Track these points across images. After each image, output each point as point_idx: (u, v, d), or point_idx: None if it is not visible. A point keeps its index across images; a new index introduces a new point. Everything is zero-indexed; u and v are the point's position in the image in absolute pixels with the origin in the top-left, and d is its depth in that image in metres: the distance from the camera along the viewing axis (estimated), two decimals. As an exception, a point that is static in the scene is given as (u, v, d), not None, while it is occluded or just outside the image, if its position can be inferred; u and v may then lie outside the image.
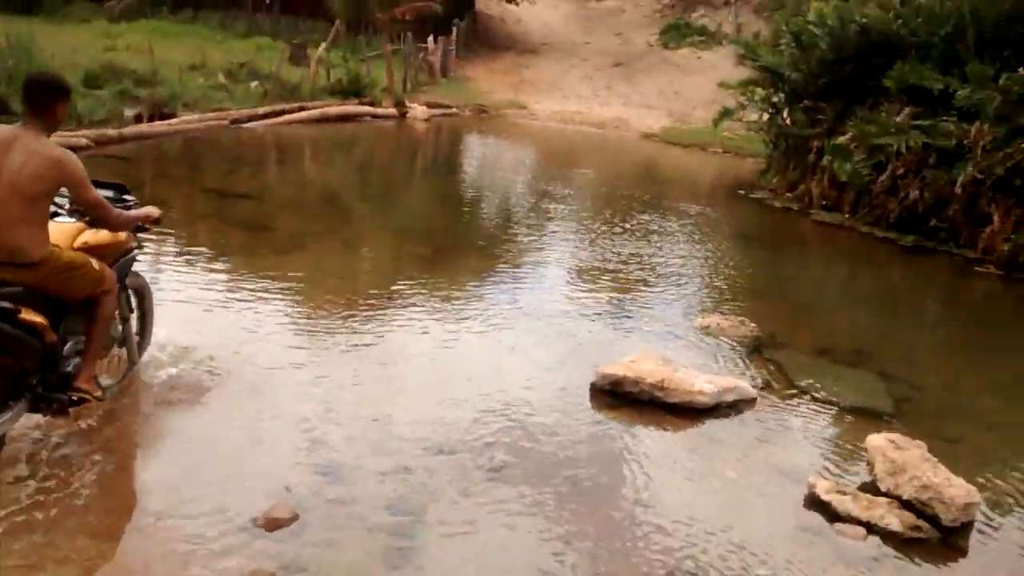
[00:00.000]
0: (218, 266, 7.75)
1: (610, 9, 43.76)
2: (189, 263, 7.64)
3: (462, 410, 5.15)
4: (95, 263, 4.06)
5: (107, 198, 4.12)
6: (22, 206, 3.65)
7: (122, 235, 4.44)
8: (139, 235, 4.83)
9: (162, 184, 11.47)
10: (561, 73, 33.27)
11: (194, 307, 6.40)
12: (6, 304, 3.55)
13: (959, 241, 11.62)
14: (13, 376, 3.77)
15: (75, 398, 4.00)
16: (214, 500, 3.95)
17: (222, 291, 6.91)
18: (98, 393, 4.18)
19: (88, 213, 4.10)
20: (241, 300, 6.68)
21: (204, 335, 5.75)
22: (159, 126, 14.91)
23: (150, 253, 7.35)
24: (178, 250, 7.92)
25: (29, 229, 3.70)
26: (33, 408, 3.95)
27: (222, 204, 10.31)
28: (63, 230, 4.05)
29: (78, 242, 4.08)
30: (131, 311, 4.84)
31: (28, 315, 3.66)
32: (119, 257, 4.46)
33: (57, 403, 3.97)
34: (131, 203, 4.49)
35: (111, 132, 13.44)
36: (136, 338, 4.92)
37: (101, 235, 4.23)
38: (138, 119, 15.14)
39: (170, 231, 8.27)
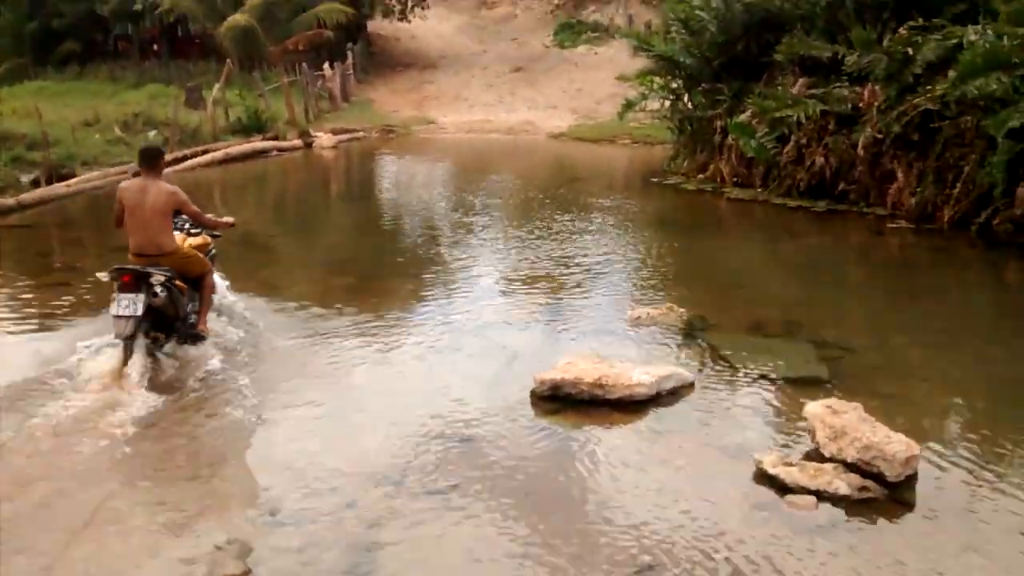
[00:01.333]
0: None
1: (502, 16, 43.97)
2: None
3: (404, 437, 5.07)
4: (199, 254, 6.58)
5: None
6: (160, 221, 6.12)
7: (208, 239, 6.98)
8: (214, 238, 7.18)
9: (70, 248, 11.13)
10: (463, 84, 33.32)
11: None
12: (169, 272, 6.03)
13: (869, 200, 11.96)
14: (170, 321, 6.20)
15: (199, 335, 6.36)
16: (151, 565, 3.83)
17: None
18: (210, 334, 6.52)
19: (190, 218, 6.51)
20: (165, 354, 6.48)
21: (135, 393, 5.58)
22: (59, 188, 14.47)
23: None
24: (93, 314, 7.65)
25: (164, 233, 6.18)
26: (179, 340, 6.31)
27: (134, 260, 10.03)
28: (178, 238, 6.47)
29: (186, 245, 6.54)
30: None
31: (178, 282, 6.18)
32: (207, 252, 6.90)
33: (192, 337, 6.35)
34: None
35: (8, 201, 12.97)
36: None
37: (196, 240, 6.79)
38: (36, 184, 14.68)
39: (85, 296, 8.07)
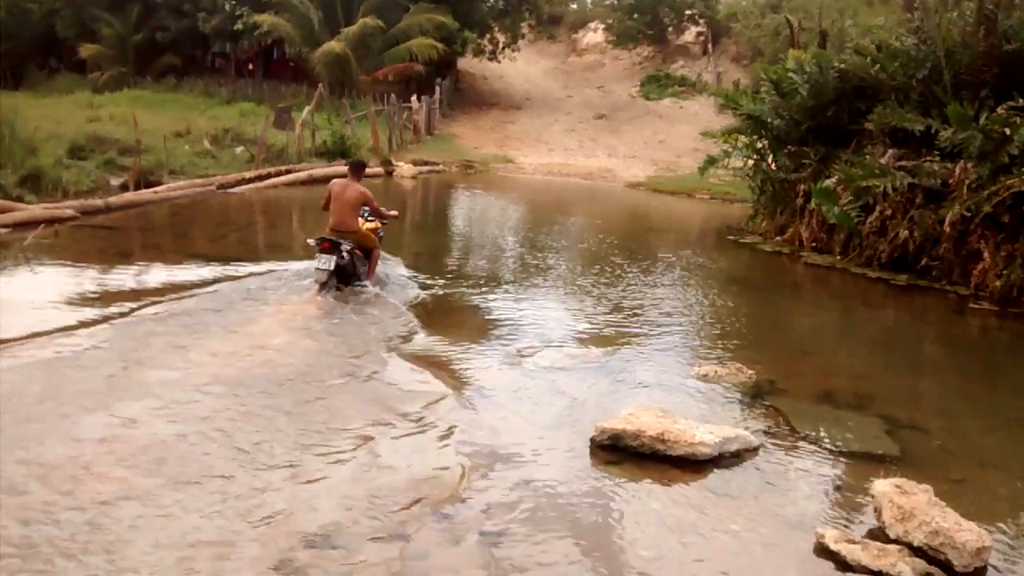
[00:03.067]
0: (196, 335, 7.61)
1: (590, 63, 44.39)
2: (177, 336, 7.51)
3: (457, 475, 5.03)
4: (372, 235, 9.39)
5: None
6: (351, 210, 8.95)
7: (377, 224, 9.76)
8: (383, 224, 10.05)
9: (149, 252, 11.39)
10: (545, 127, 33.59)
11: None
12: (352, 244, 8.79)
13: (952, 278, 11.64)
14: (348, 276, 8.89)
15: (365, 285, 9.10)
16: None
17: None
18: (372, 288, 9.18)
19: (370, 211, 9.35)
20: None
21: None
22: (145, 194, 14.90)
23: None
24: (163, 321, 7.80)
25: (352, 219, 8.99)
26: (352, 287, 8.98)
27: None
28: (360, 222, 9.23)
29: (364, 227, 9.29)
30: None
31: (356, 251, 8.94)
32: (377, 234, 9.66)
33: (360, 286, 9.06)
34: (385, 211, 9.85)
35: (97, 202, 13.39)
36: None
37: (371, 224, 9.57)
38: (124, 188, 15.14)
39: (155, 298, 8.25)
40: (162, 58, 36.62)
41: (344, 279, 8.88)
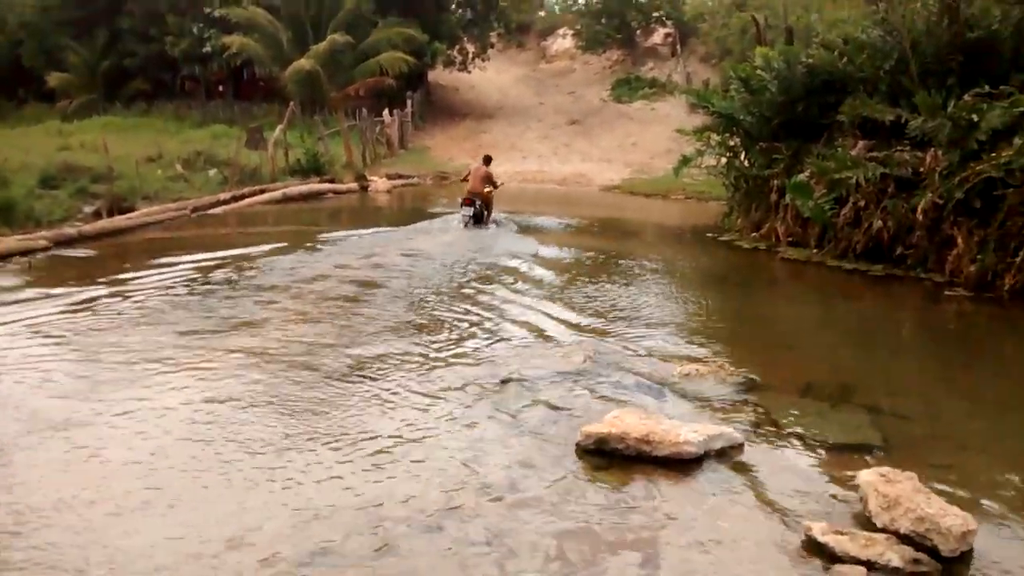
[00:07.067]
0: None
1: (560, 69, 44.52)
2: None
3: (444, 484, 5.00)
4: (491, 196, 16.31)
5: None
6: (481, 182, 16.09)
7: (494, 189, 16.38)
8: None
9: (124, 283, 11.27)
10: (518, 135, 33.66)
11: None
12: (480, 201, 15.97)
13: (927, 266, 11.73)
14: (479, 220, 15.95)
15: (489, 225, 16.35)
16: None
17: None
18: (492, 226, 16.28)
19: (490, 182, 16.20)
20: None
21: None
22: (119, 221, 14.79)
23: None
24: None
25: (482, 187, 16.06)
26: (481, 226, 16.11)
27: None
28: (487, 188, 16.28)
29: (486, 191, 16.09)
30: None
31: (481, 205, 16.06)
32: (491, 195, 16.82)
33: (483, 224, 16.14)
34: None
35: (70, 231, 13.23)
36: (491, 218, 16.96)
37: (489, 189, 16.19)
38: (97, 215, 15.03)
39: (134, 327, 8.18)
40: (131, 83, 36.44)
41: (477, 221, 15.51)
